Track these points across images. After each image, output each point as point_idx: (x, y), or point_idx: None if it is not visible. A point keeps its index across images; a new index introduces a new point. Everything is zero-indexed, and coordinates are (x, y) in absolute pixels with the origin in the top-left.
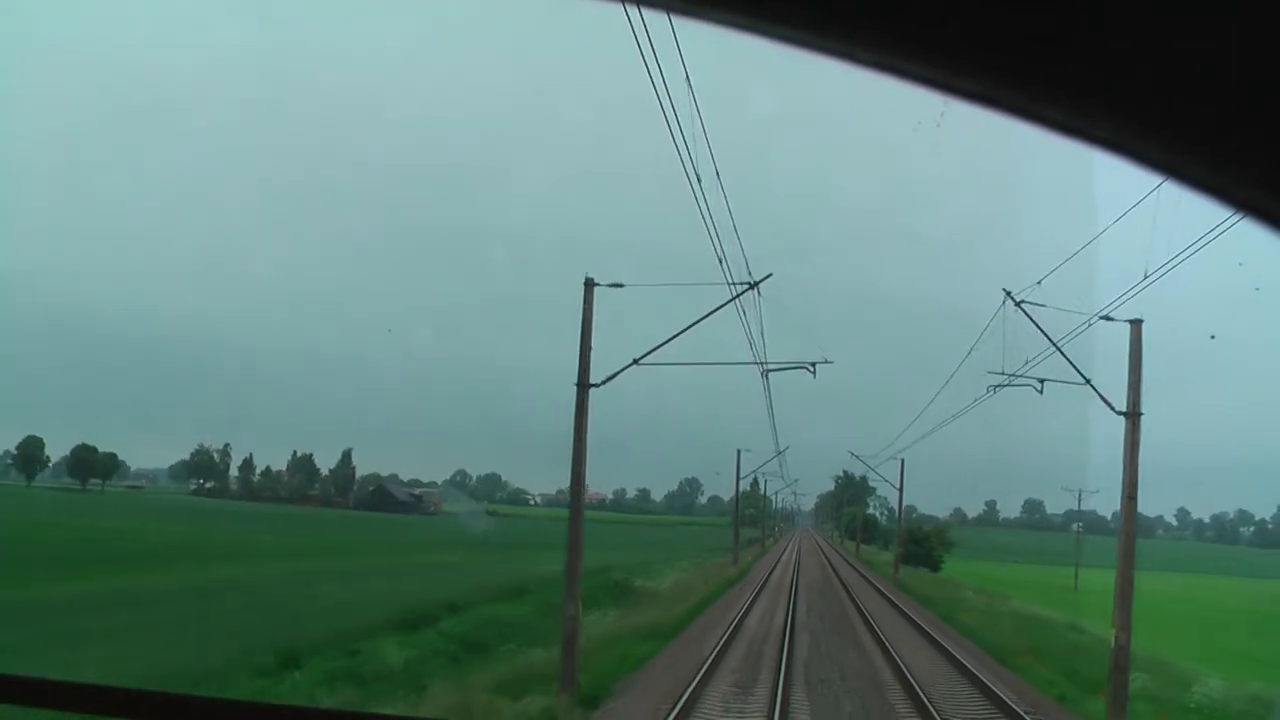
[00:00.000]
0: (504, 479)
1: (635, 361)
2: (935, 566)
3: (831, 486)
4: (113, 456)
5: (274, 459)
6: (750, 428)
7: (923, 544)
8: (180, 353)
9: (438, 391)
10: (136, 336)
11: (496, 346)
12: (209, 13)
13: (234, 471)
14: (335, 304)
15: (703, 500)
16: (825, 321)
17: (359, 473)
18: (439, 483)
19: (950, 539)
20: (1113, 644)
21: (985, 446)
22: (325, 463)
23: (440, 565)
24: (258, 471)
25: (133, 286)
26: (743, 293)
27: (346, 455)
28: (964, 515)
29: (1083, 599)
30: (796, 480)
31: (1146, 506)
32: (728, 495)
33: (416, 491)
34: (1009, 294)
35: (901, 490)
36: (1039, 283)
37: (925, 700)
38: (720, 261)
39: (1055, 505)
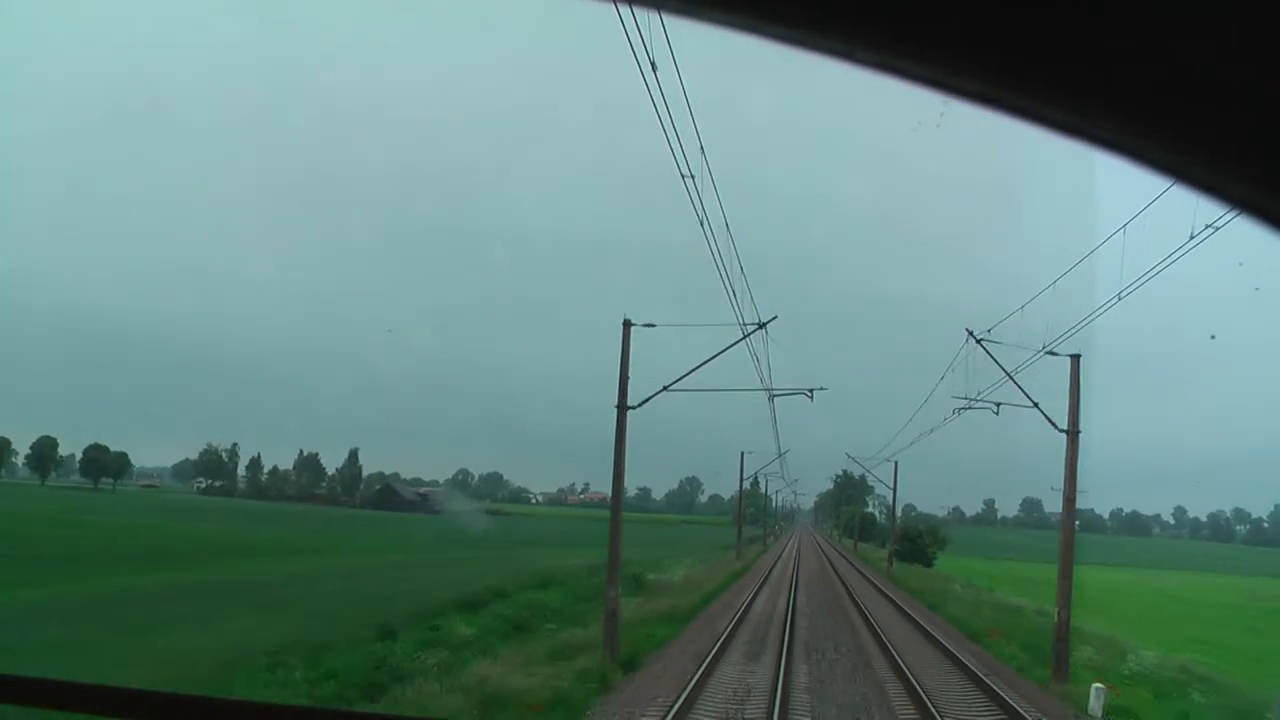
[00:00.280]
0: (505, 478)
1: (665, 388)
2: (928, 563)
3: (830, 486)
4: (124, 456)
5: (279, 458)
6: (750, 427)
7: (916, 541)
8: (182, 352)
9: (439, 391)
10: (138, 336)
11: (497, 346)
12: (209, 13)
13: (241, 470)
14: (336, 304)
15: (703, 499)
16: (825, 322)
17: (364, 472)
18: (440, 482)
19: (942, 537)
20: (1055, 620)
21: (984, 447)
22: (330, 462)
23: (463, 560)
24: (265, 471)
25: (133, 287)
26: (752, 332)
27: (354, 454)
28: (962, 514)
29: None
30: (796, 480)
31: (1144, 505)
32: (727, 495)
33: (422, 490)
34: (970, 333)
35: (895, 491)
36: (988, 331)
37: (903, 666)
38: (719, 264)
39: (1053, 504)
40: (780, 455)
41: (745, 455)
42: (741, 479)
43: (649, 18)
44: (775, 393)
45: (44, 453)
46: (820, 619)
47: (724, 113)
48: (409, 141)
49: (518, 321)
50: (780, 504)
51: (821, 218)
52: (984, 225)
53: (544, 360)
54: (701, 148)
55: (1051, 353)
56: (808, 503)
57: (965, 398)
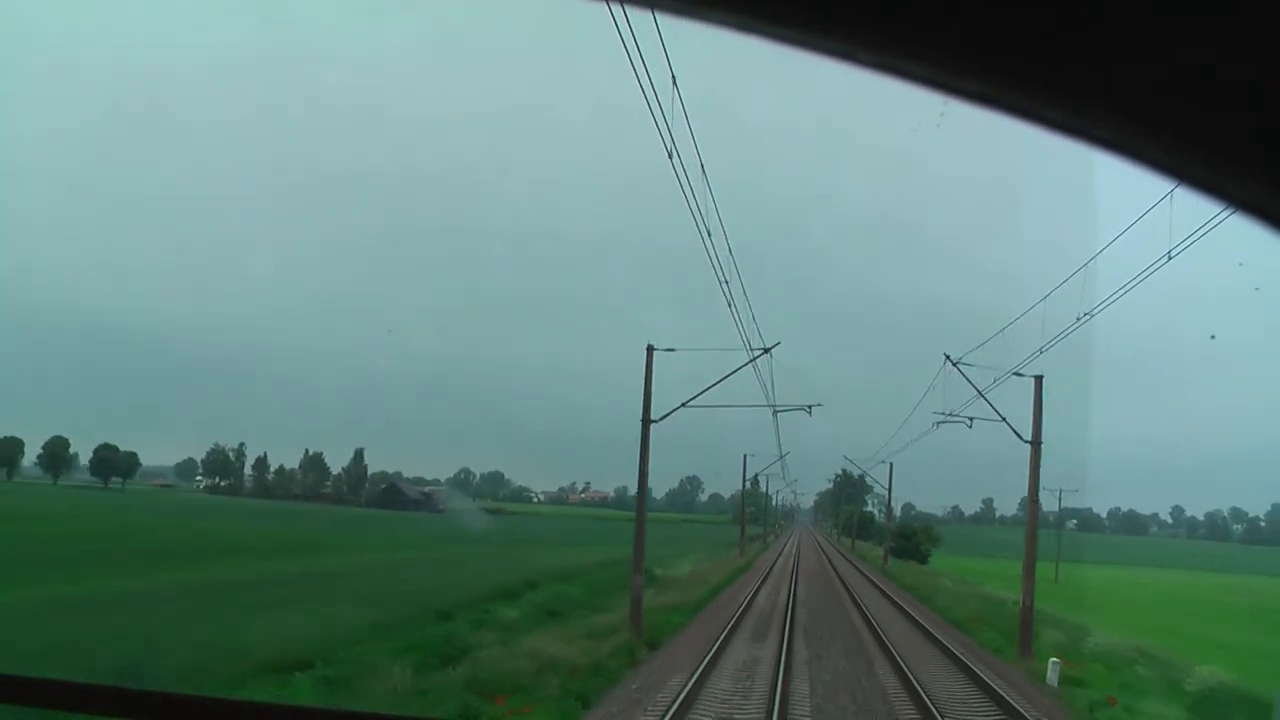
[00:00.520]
0: (507, 476)
1: (684, 404)
2: (923, 560)
3: (830, 485)
4: (133, 455)
5: (284, 458)
6: (751, 429)
7: (911, 539)
8: (183, 352)
9: (440, 390)
10: (139, 336)
11: (498, 345)
12: (209, 13)
13: (248, 470)
14: (336, 304)
15: (703, 498)
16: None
17: (369, 471)
18: (442, 481)
19: (936, 535)
20: (1020, 605)
21: (983, 447)
22: (335, 461)
23: (470, 558)
24: (271, 470)
25: (133, 286)
26: (757, 356)
27: (359, 454)
28: (961, 513)
29: (1055, 588)
30: (796, 480)
31: (1142, 504)
32: (727, 494)
33: (425, 489)
34: (948, 356)
35: (890, 491)
36: (964, 357)
37: (890, 646)
38: (712, 260)
39: (1052, 503)
40: (781, 458)
41: (747, 457)
42: (744, 479)
43: (648, 18)
44: (779, 409)
45: (56, 452)
46: (818, 608)
47: (723, 113)
48: (409, 141)
49: (518, 321)
50: (780, 503)
51: (821, 218)
52: (984, 225)
53: (544, 359)
54: (702, 166)
55: (1018, 374)
56: (807, 502)
57: (943, 413)
